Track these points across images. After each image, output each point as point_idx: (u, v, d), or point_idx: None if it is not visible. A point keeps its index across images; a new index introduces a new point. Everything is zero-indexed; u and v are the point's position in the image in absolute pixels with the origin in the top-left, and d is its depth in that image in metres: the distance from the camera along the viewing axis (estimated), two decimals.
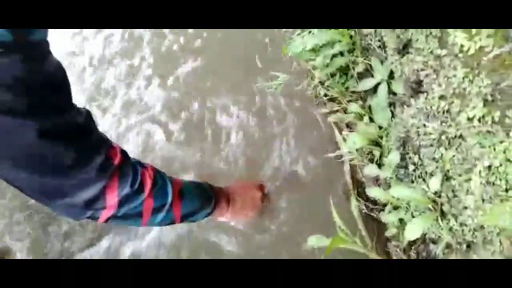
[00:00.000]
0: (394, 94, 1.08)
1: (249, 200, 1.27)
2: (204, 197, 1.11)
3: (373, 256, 1.08)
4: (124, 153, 0.90)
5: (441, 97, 0.83)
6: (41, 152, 0.73)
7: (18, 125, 0.69)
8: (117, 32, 1.97)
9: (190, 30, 1.80)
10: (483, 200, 0.75)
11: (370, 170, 1.07)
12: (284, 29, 1.48)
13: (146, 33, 1.90)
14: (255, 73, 1.57)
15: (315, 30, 1.24)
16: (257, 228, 1.31)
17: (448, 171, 0.85)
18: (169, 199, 0.97)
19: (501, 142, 0.70)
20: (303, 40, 1.26)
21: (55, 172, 0.77)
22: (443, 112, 0.84)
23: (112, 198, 0.85)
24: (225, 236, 1.32)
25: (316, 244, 1.08)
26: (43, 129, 0.71)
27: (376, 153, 1.17)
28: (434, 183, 0.86)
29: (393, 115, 1.12)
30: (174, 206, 0.98)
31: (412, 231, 0.87)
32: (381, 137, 1.15)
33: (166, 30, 1.85)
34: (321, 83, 1.36)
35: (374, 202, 1.19)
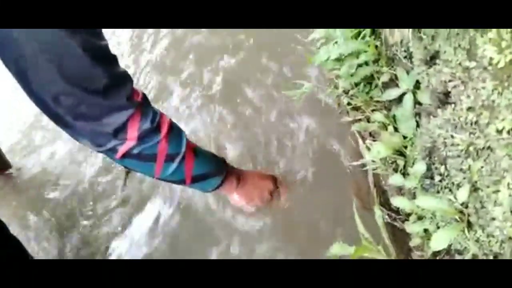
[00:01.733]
0: (420, 104, 1.09)
1: (259, 188, 1.27)
2: (216, 165, 1.13)
3: None
4: (144, 95, 0.95)
5: (470, 109, 0.84)
6: (83, 66, 0.79)
7: (66, 37, 0.75)
8: None
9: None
10: (511, 212, 0.75)
11: (395, 179, 1.07)
12: (309, 39, 1.50)
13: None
14: (279, 80, 1.59)
15: (340, 40, 1.25)
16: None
17: (475, 182, 0.85)
18: (183, 149, 1.00)
19: None
20: (328, 49, 1.27)
21: (93, 89, 0.82)
22: (471, 124, 0.84)
23: (133, 131, 0.90)
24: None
25: (339, 252, 1.08)
26: (86, 46, 0.78)
27: (400, 162, 1.17)
28: (462, 194, 0.86)
29: (418, 125, 1.12)
30: (186, 161, 1.01)
31: (438, 241, 0.88)
32: (406, 147, 1.15)
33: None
34: (345, 92, 1.37)
35: (397, 212, 1.20)
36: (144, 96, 0.95)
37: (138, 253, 1.39)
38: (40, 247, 1.45)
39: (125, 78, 0.90)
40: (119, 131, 0.89)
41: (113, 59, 0.88)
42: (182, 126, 1.06)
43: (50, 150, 1.76)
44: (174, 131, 1.00)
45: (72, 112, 0.84)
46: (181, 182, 1.06)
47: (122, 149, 0.91)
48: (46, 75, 0.78)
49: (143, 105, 0.92)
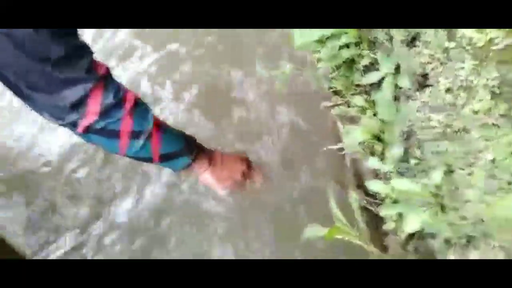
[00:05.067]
0: (399, 88, 1.08)
1: (231, 169, 1.24)
2: (186, 144, 1.10)
3: (371, 249, 1.08)
4: (107, 68, 0.92)
5: (448, 90, 0.83)
6: (37, 36, 0.75)
7: None
8: None
9: None
10: (485, 193, 0.74)
11: (372, 163, 1.07)
12: None
13: None
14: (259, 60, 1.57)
15: None
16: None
17: (450, 165, 0.84)
18: (149, 126, 0.97)
19: (506, 135, 0.70)
20: (309, 30, 1.25)
21: (44, 60, 0.78)
22: (449, 105, 0.83)
23: (95, 105, 0.87)
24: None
25: (313, 234, 1.08)
26: None
27: (378, 147, 1.16)
28: (436, 176, 0.85)
29: (397, 110, 1.11)
30: (153, 138, 0.98)
31: (411, 224, 0.87)
32: (384, 132, 1.14)
33: None
34: (326, 75, 1.36)
35: (373, 196, 1.19)
36: (107, 70, 0.91)
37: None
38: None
39: (84, 50, 0.86)
40: (78, 105, 0.86)
41: (71, 30, 0.84)
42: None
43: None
44: (140, 107, 0.97)
45: (27, 83, 0.81)
46: (148, 160, 1.04)
47: (83, 123, 0.89)
48: (1, 47, 0.75)
49: (106, 79, 0.89)
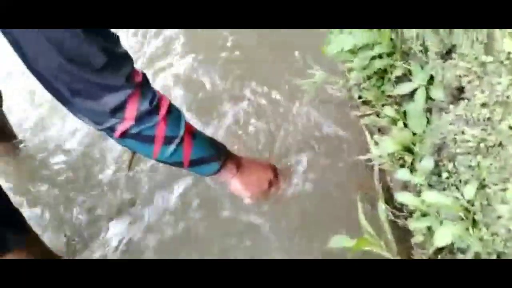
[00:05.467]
0: (432, 99, 1.07)
1: (258, 176, 1.26)
2: (215, 150, 1.13)
3: None
4: (145, 75, 0.95)
5: (483, 105, 0.82)
6: (81, 44, 0.79)
7: None
8: None
9: None
10: None
11: (402, 174, 1.06)
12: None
13: None
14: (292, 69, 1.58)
15: (354, 31, 1.23)
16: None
17: (483, 179, 0.83)
18: (181, 132, 1.00)
19: None
20: (342, 40, 1.26)
21: (91, 67, 0.82)
22: (484, 120, 0.82)
23: (132, 111, 0.90)
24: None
25: (339, 244, 1.07)
26: None
27: (408, 159, 1.16)
28: (469, 191, 0.84)
29: (428, 122, 1.11)
30: (184, 144, 1.01)
31: (442, 237, 0.86)
32: (414, 144, 1.13)
33: None
34: (357, 85, 1.35)
35: (400, 209, 1.18)
36: (145, 77, 0.95)
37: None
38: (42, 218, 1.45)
39: (125, 58, 0.90)
40: (117, 111, 0.89)
41: (114, 38, 0.88)
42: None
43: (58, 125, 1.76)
44: (173, 113, 1.00)
45: (70, 89, 0.85)
46: (179, 164, 1.06)
47: (120, 128, 0.92)
48: (44, 52, 0.79)
49: (143, 86, 0.93)
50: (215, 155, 1.12)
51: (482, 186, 0.84)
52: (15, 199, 1.23)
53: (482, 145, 0.83)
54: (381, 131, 1.32)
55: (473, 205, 0.86)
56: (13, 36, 0.78)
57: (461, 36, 0.89)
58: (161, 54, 1.90)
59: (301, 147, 1.42)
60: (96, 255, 1.36)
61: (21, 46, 0.79)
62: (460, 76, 0.89)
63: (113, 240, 1.38)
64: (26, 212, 1.40)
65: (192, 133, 1.05)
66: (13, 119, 1.72)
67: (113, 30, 0.87)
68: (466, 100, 0.88)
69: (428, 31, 0.99)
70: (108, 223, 1.43)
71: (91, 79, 0.84)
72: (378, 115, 1.32)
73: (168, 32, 1.94)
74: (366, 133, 1.34)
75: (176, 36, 1.92)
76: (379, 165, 1.26)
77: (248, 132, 1.52)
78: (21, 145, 1.68)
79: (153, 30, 1.96)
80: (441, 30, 0.95)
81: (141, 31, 1.99)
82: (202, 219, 1.37)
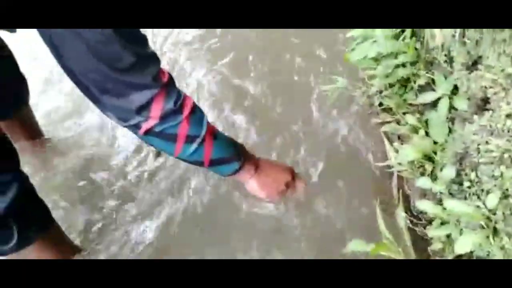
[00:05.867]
0: (455, 109, 1.08)
1: (276, 178, 1.27)
2: (235, 150, 1.15)
3: None
4: (170, 76, 0.98)
5: (508, 116, 0.83)
6: (111, 44, 0.82)
7: None
8: None
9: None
10: None
11: (423, 183, 1.07)
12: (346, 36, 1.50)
13: None
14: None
15: (379, 39, 1.25)
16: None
17: (506, 189, 0.84)
18: (203, 131, 1.02)
19: None
20: (365, 48, 1.27)
21: (120, 67, 0.85)
22: (509, 131, 0.84)
23: (157, 110, 0.93)
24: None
25: (357, 249, 1.08)
26: None
27: (428, 167, 1.17)
28: (492, 200, 0.85)
29: (450, 131, 1.12)
30: (206, 143, 1.04)
31: (463, 245, 0.87)
32: (435, 152, 1.15)
33: None
34: (378, 92, 1.37)
35: (417, 217, 1.19)
36: (170, 77, 0.98)
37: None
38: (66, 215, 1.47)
39: (152, 59, 0.93)
40: (143, 109, 0.92)
41: (142, 39, 0.91)
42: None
43: (84, 121, 1.79)
44: (196, 113, 1.02)
45: (99, 87, 0.88)
46: (200, 164, 1.09)
47: (145, 126, 0.95)
48: (75, 52, 0.82)
49: (168, 86, 0.95)
50: (234, 155, 1.15)
51: (505, 196, 0.85)
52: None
53: (506, 155, 0.84)
54: (401, 139, 1.33)
55: (494, 214, 0.87)
56: (49, 36, 0.82)
57: (488, 48, 0.90)
58: None
59: (320, 152, 1.44)
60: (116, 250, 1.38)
61: (56, 46, 0.83)
62: (485, 87, 0.90)
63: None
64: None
65: (214, 133, 1.08)
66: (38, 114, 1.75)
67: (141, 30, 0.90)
68: (490, 111, 0.89)
69: (455, 42, 1.01)
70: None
71: (120, 78, 0.87)
72: (398, 123, 1.34)
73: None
74: (386, 140, 1.35)
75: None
76: (398, 172, 1.27)
77: (264, 134, 1.54)
78: (48, 145, 1.70)
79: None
80: (468, 41, 0.96)
81: None
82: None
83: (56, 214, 1.30)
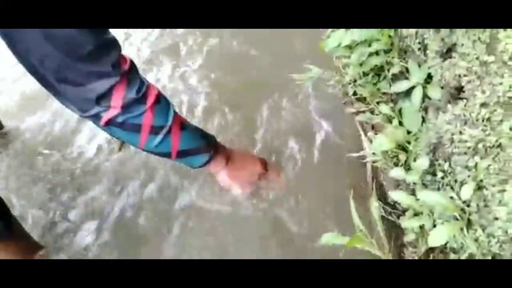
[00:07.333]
0: (429, 98, 1.06)
1: (248, 170, 1.25)
2: (204, 141, 1.11)
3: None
4: (133, 63, 0.94)
5: (483, 105, 0.82)
6: (68, 30, 0.77)
7: None
8: None
9: None
10: None
11: (396, 173, 1.05)
12: None
13: None
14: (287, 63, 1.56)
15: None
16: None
17: (481, 180, 0.83)
18: (169, 122, 0.99)
19: None
20: (339, 35, 1.24)
21: (77, 54, 0.81)
22: (483, 120, 0.82)
23: (117, 99, 0.89)
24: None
25: (331, 242, 1.06)
26: None
27: (402, 157, 1.15)
28: (466, 191, 0.84)
29: (424, 121, 1.10)
30: (172, 134, 1.00)
31: (437, 237, 0.85)
32: (409, 142, 1.13)
33: None
34: (352, 81, 1.35)
35: (392, 206, 1.18)
36: (132, 65, 0.93)
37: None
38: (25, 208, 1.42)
39: (112, 45, 0.88)
40: (103, 98, 0.88)
41: None
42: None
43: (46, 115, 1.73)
44: (161, 103, 0.98)
45: (56, 75, 0.83)
46: (167, 155, 1.05)
47: (106, 116, 0.91)
48: (31, 38, 0.77)
49: (130, 74, 0.91)
50: (204, 147, 1.11)
51: (479, 187, 0.83)
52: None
53: (480, 145, 0.83)
54: (375, 128, 1.31)
55: (469, 205, 0.86)
56: (3, 29, 0.77)
57: (462, 36, 0.88)
58: None
59: (294, 142, 1.41)
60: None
61: (9, 33, 0.78)
62: (459, 76, 0.88)
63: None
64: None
65: (181, 123, 1.04)
66: None
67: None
68: (464, 100, 0.87)
69: (428, 29, 0.99)
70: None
71: (77, 65, 0.82)
72: (372, 112, 1.31)
73: None
74: (360, 130, 1.33)
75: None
76: (373, 162, 1.25)
77: (240, 125, 1.50)
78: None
79: None
80: (442, 29, 0.94)
81: None
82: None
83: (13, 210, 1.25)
